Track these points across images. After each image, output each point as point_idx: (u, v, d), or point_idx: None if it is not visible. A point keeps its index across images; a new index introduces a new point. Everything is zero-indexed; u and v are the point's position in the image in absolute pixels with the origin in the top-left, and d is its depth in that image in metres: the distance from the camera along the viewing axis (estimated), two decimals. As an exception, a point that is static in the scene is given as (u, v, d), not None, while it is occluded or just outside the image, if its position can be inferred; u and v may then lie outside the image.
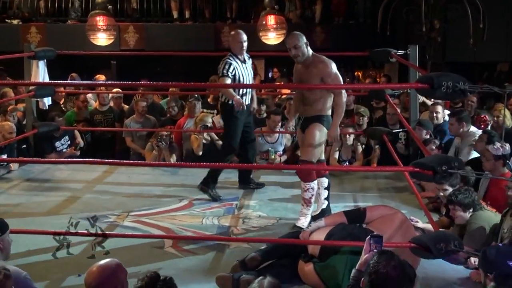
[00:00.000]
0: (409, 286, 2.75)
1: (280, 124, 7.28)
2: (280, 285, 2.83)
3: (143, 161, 7.42)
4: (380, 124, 7.30)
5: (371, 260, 2.80)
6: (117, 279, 2.84)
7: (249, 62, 6.03)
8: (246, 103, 5.95)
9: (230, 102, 5.88)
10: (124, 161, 7.25)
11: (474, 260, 4.10)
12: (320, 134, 5.14)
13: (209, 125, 7.18)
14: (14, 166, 7.04)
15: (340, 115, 5.16)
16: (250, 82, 6.15)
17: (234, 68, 5.78)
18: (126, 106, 8.96)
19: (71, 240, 4.10)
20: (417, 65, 6.65)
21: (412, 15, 11.44)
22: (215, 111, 8.25)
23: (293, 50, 5.08)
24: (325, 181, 5.39)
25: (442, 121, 6.90)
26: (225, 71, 5.76)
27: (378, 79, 13.52)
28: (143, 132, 7.91)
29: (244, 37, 5.91)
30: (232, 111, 5.88)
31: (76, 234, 4.15)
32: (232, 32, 6.11)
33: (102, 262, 2.90)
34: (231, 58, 5.86)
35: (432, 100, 7.14)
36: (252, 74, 6.15)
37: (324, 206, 5.39)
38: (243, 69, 5.88)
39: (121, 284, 2.85)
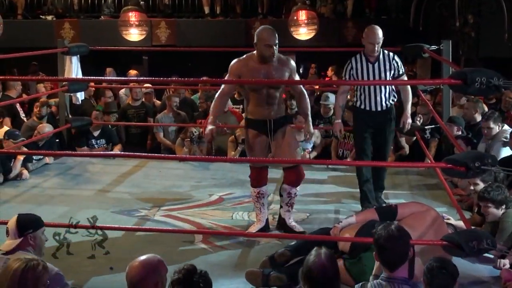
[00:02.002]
0: (452, 284, 2.95)
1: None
2: (335, 257, 3.04)
3: (174, 155, 7.45)
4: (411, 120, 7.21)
5: (376, 233, 3.12)
6: (158, 275, 2.82)
7: (384, 60, 5.38)
8: (373, 108, 5.40)
9: (356, 105, 5.54)
10: (155, 154, 7.30)
11: (504, 263, 4.04)
12: (295, 137, 5.10)
13: None
14: (49, 159, 7.16)
15: (309, 112, 5.05)
16: (379, 85, 5.43)
17: (351, 69, 5.41)
18: (158, 102, 9.04)
19: (71, 240, 4.09)
20: (450, 61, 6.57)
21: (445, 10, 11.28)
22: (241, 106, 8.26)
23: (274, 48, 4.72)
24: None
25: (477, 120, 6.75)
26: (343, 73, 5.52)
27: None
28: (174, 127, 7.96)
29: (373, 38, 5.29)
30: (355, 113, 5.63)
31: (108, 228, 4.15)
32: (366, 29, 5.45)
33: (144, 257, 2.86)
34: (357, 56, 5.44)
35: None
36: (386, 75, 5.38)
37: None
38: (367, 70, 5.37)
39: (162, 280, 2.82)
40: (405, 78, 5.63)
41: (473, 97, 6.96)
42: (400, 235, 3.09)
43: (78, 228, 4.13)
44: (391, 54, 5.45)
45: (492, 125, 5.94)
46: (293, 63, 4.94)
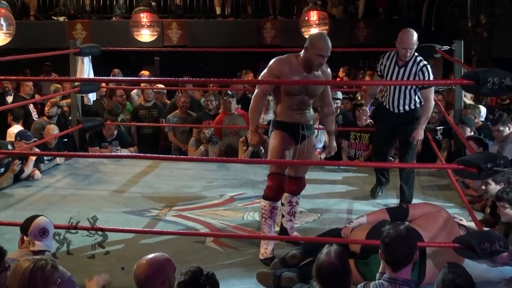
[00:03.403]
0: None
1: (318, 121, 7.17)
2: (345, 254, 3.06)
3: (186, 156, 7.46)
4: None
5: (384, 231, 3.11)
6: (165, 273, 2.84)
7: (412, 67, 5.23)
8: (391, 109, 5.40)
9: (382, 101, 5.55)
10: (167, 155, 7.32)
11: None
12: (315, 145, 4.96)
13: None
14: (60, 160, 7.19)
15: (334, 127, 4.87)
16: (401, 90, 5.31)
17: (381, 64, 5.38)
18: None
19: (71, 240, 4.08)
20: (462, 61, 6.54)
21: (458, 10, 11.21)
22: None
23: (325, 59, 4.50)
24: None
25: (479, 123, 6.76)
26: (377, 66, 5.46)
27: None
28: (184, 127, 7.97)
29: (406, 43, 5.16)
30: (379, 109, 5.57)
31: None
32: (400, 33, 5.30)
33: (152, 255, 2.89)
34: (391, 54, 5.37)
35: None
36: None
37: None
38: (392, 71, 5.31)
39: (169, 279, 2.84)
40: (430, 91, 5.30)
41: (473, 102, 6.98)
42: (409, 235, 3.07)
43: (87, 229, 4.15)
44: (422, 63, 5.24)
45: (501, 128, 5.93)
46: (329, 72, 4.70)
